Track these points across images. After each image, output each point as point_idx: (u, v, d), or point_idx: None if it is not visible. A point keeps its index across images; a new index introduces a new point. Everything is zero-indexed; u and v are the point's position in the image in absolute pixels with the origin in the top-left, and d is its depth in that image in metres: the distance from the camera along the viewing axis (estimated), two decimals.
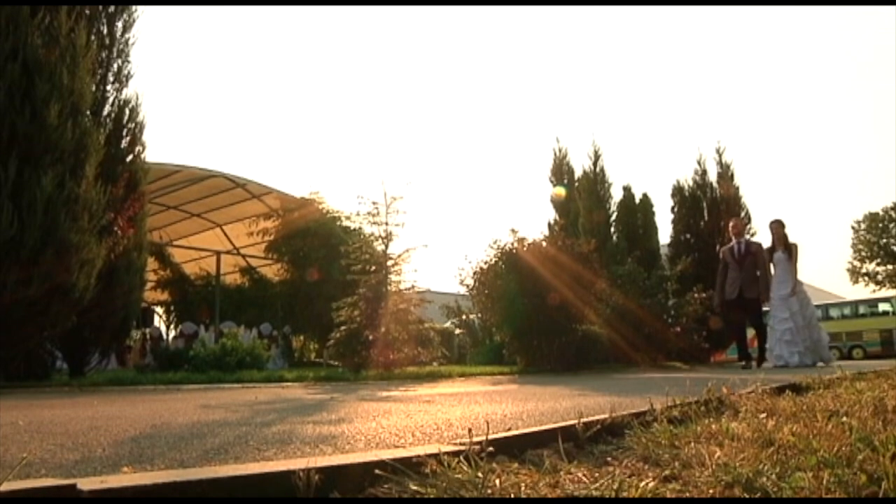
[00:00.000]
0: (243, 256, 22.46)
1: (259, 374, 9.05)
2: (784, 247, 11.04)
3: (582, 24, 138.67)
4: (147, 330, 20.60)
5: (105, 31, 8.73)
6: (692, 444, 1.89)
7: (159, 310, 24.54)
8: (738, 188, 18.74)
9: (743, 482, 1.37)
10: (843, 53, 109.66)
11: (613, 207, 18.93)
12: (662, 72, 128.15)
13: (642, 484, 1.34)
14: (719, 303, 11.44)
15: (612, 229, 18.64)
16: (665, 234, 19.32)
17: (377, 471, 1.32)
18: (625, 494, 1.27)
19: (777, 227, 11.32)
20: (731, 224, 11.97)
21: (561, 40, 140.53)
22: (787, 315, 10.59)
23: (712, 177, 18.97)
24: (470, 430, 1.66)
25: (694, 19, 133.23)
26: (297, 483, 1.19)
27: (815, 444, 1.71)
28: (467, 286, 11.99)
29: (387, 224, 10.40)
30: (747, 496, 1.31)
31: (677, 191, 19.02)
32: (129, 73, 9.00)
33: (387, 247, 10.50)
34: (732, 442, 1.90)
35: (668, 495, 1.34)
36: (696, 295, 15.45)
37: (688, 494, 1.36)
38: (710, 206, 18.61)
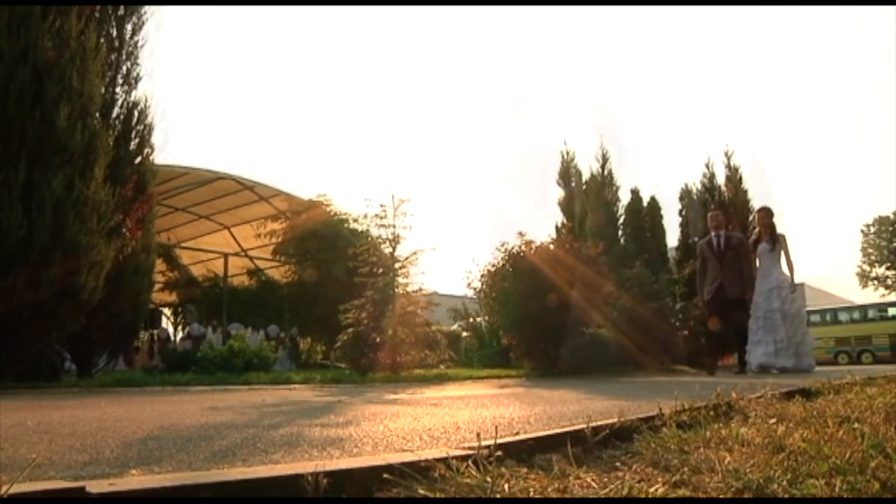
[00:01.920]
0: (251, 258, 22.51)
1: (266, 376, 9.06)
2: (770, 237, 10.15)
3: (590, 26, 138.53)
4: (155, 331, 20.69)
5: (114, 34, 8.77)
6: (702, 449, 1.88)
7: (167, 311, 24.63)
8: (746, 191, 18.71)
9: (753, 488, 1.36)
10: (847, 53, 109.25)
11: (621, 210, 18.92)
12: (671, 75, 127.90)
13: (651, 489, 1.34)
14: (704, 303, 10.44)
15: (620, 232, 18.62)
16: (673, 237, 19.30)
17: (385, 475, 1.31)
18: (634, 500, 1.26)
19: (763, 215, 10.49)
20: (709, 216, 10.81)
21: (569, 43, 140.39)
22: (762, 312, 9.85)
23: (720, 180, 18.95)
24: (478, 435, 1.66)
25: (702, 20, 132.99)
26: (306, 486, 1.19)
27: (826, 451, 1.69)
28: (475, 289, 11.97)
29: (394, 226, 10.42)
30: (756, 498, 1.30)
31: (685, 194, 18.99)
32: (138, 75, 9.05)
33: (394, 249, 10.51)
34: (742, 447, 1.88)
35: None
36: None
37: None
38: (718, 209, 18.54)
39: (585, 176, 19.59)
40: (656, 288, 15.12)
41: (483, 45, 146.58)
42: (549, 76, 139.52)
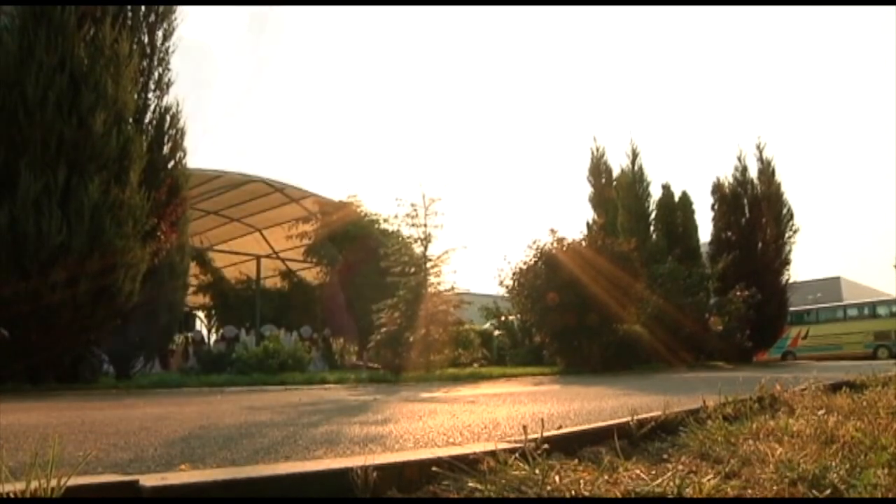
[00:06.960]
0: (282, 260, 22.62)
1: (301, 376, 9.12)
2: None
3: (619, 23, 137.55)
4: (189, 334, 20.87)
5: (146, 41, 8.86)
6: (750, 441, 1.85)
7: (200, 314, 24.84)
8: (779, 184, 18.42)
9: (809, 479, 1.33)
10: (879, 47, 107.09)
11: (652, 206, 18.75)
12: (701, 68, 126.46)
13: (704, 481, 1.31)
14: None
15: (652, 228, 18.46)
16: (705, 232, 19.07)
17: (434, 468, 1.30)
18: (687, 492, 1.23)
19: None
20: None
21: (599, 40, 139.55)
22: None
23: (753, 173, 18.67)
24: (525, 428, 1.64)
25: (733, 16, 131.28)
26: (355, 480, 1.18)
27: (883, 441, 1.65)
28: (506, 287, 11.95)
29: (425, 226, 10.41)
30: (815, 495, 1.26)
31: (717, 188, 18.74)
32: (169, 80, 9.12)
33: (425, 248, 10.51)
34: (792, 439, 1.84)
35: (730, 493, 1.30)
36: (738, 293, 15.22)
37: (750, 492, 1.32)
38: (752, 203, 18.29)
39: (616, 172, 19.46)
40: (689, 283, 14.96)
41: (516, 43, 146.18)
42: (580, 74, 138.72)
